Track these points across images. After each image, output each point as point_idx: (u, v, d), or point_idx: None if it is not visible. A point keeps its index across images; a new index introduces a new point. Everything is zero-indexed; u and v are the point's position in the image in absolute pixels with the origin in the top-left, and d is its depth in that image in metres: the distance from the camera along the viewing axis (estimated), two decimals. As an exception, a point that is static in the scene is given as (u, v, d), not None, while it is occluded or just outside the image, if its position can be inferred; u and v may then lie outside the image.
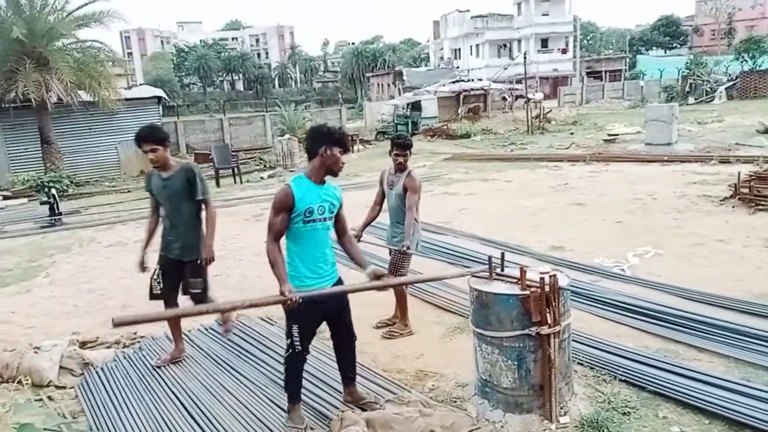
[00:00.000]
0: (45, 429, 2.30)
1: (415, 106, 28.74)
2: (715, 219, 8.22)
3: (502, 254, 3.92)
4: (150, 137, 4.28)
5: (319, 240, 3.42)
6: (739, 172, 9.51)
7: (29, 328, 5.68)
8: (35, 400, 4.04)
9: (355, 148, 22.74)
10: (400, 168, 4.80)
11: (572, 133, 22.65)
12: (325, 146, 3.35)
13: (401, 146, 4.76)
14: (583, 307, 5.12)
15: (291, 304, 3.12)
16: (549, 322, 3.36)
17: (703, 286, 5.41)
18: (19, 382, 4.23)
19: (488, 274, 3.71)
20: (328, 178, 3.45)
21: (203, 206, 4.37)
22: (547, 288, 3.35)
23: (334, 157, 3.37)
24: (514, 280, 3.56)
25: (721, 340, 4.35)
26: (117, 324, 2.74)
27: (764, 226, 7.67)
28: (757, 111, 23.73)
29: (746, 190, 9.00)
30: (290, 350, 3.44)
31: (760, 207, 8.51)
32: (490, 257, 3.79)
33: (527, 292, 3.38)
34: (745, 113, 24.49)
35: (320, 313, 3.50)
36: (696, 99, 33.83)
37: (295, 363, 3.49)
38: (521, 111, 28.64)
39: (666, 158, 14.03)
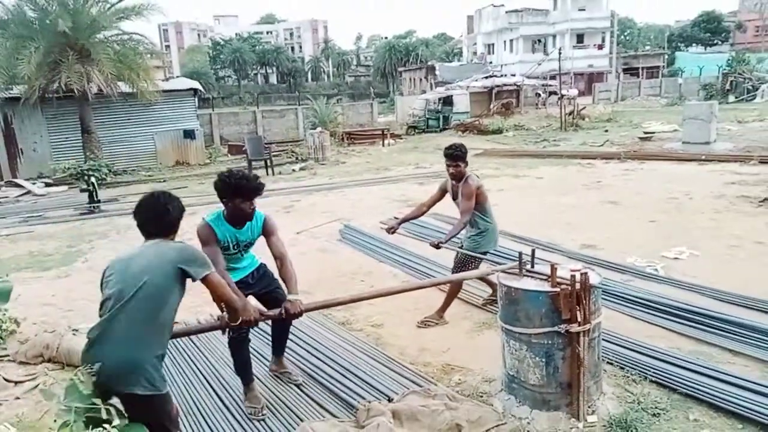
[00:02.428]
0: (87, 410, 2.36)
1: (447, 101, 28.55)
2: (753, 220, 7.99)
3: (533, 251, 3.90)
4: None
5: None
6: None
7: (68, 311, 5.87)
8: (74, 381, 4.17)
9: (386, 142, 22.72)
10: (455, 177, 4.86)
11: (607, 131, 22.20)
12: (226, 200, 3.45)
13: (449, 157, 4.81)
14: (615, 306, 5.05)
15: (251, 323, 3.18)
16: (579, 319, 3.32)
17: (740, 289, 5.27)
18: (68, 364, 4.35)
19: (518, 270, 3.70)
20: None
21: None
22: (577, 285, 3.31)
23: (237, 208, 3.45)
24: (545, 277, 3.54)
25: (758, 344, 4.23)
26: None
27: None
28: None
29: None
30: (230, 334, 3.60)
31: None
32: (520, 254, 3.78)
33: (557, 289, 3.35)
34: None
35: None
36: (737, 97, 32.82)
37: (237, 345, 3.69)
38: (554, 107, 28.19)
39: (704, 157, 13.62)
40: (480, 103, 30.20)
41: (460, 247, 4.98)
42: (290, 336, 4.78)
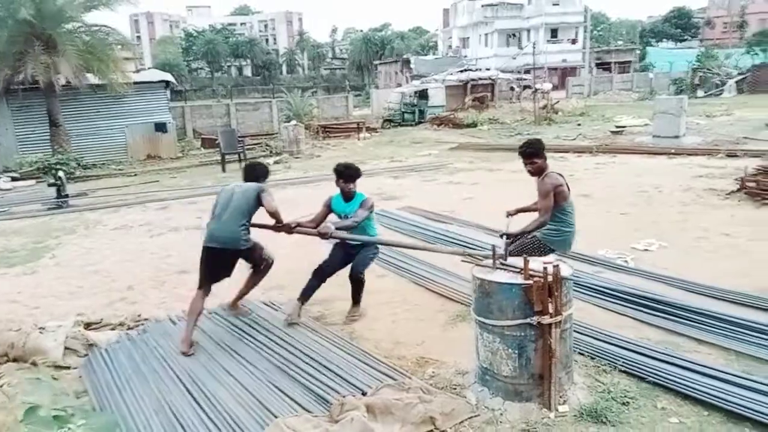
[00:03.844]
0: (54, 409, 2.33)
1: (423, 95, 28.58)
2: (720, 213, 8.18)
3: (506, 245, 3.99)
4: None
5: None
6: (746, 166, 9.48)
7: (35, 308, 5.73)
8: (40, 380, 4.08)
9: (362, 135, 22.66)
10: (533, 174, 4.70)
11: (579, 125, 22.49)
12: (336, 180, 5.08)
13: (522, 155, 4.68)
14: (586, 298, 5.12)
15: (286, 228, 4.78)
16: (551, 311, 3.38)
17: (707, 280, 5.39)
18: (33, 363, 4.27)
19: (491, 261, 3.73)
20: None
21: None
22: (549, 278, 3.36)
23: (340, 187, 5.07)
24: (517, 270, 3.58)
25: (722, 332, 4.34)
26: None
27: (770, 220, 7.58)
28: (766, 105, 23.48)
29: (753, 184, 8.91)
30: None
31: (767, 201, 8.45)
32: (493, 246, 3.79)
33: (530, 282, 3.39)
34: (754, 107, 24.27)
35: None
36: (705, 92, 33.53)
37: (316, 273, 5.02)
38: (528, 101, 28.48)
39: (673, 151, 13.91)
40: (455, 96, 30.39)
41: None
42: (262, 331, 4.77)
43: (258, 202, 4.63)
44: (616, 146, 15.56)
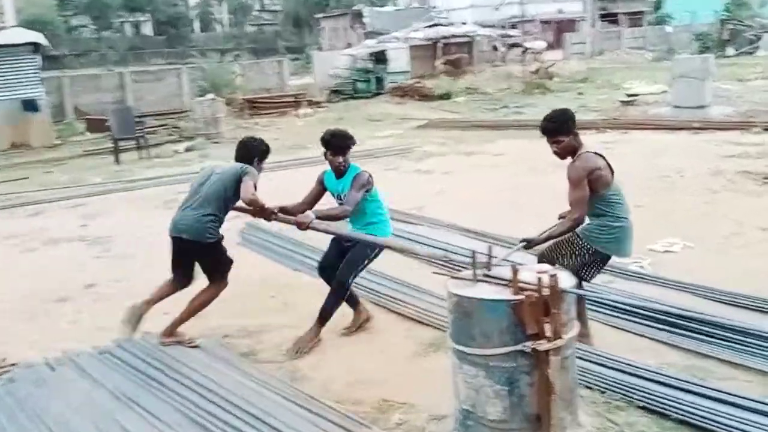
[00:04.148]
0: None
1: (380, 58, 28.69)
2: (758, 202, 8.43)
3: (489, 248, 3.92)
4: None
5: None
6: None
7: None
8: None
9: (302, 112, 22.58)
10: (560, 156, 4.63)
11: (581, 93, 22.98)
12: (323, 152, 5.25)
13: (544, 132, 4.62)
14: (593, 315, 5.14)
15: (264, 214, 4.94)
16: (548, 335, 3.37)
17: (743, 287, 5.49)
18: None
19: (472, 274, 3.72)
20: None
21: None
22: (545, 291, 3.37)
23: (328, 160, 5.25)
24: (504, 282, 3.57)
25: (763, 353, 4.43)
26: None
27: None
28: None
29: None
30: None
31: None
32: (473, 252, 3.78)
33: (520, 297, 3.39)
34: None
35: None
36: (737, 50, 34.64)
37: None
38: (517, 64, 28.91)
39: (698, 125, 14.37)
40: (422, 59, 30.65)
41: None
42: (171, 373, 4.68)
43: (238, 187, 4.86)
44: (627, 120, 16.02)
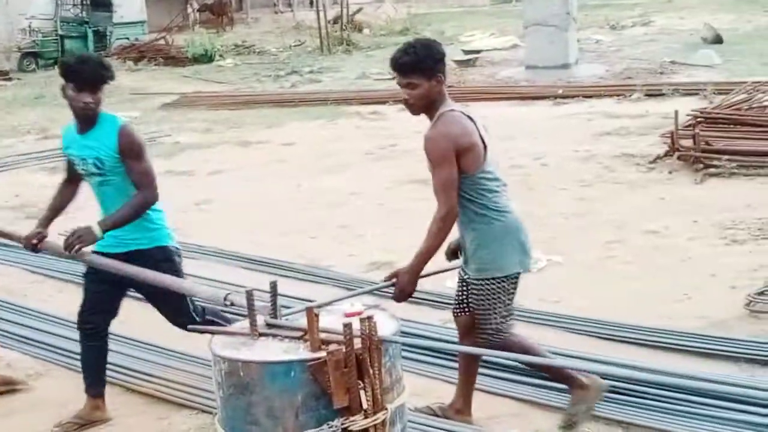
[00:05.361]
0: None
1: (100, 2, 23.71)
2: (643, 194, 7.73)
3: (274, 284, 3.24)
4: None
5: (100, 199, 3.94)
6: (676, 112, 8.75)
7: None
8: None
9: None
10: (413, 110, 3.62)
11: (401, 51, 21.81)
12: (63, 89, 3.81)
13: (396, 67, 3.54)
14: (431, 369, 4.45)
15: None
16: (364, 405, 2.92)
17: (628, 315, 4.92)
18: None
19: (249, 326, 3.12)
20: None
21: None
22: (358, 343, 2.90)
23: (69, 97, 3.71)
24: (298, 334, 3.11)
25: (662, 406, 3.82)
26: None
27: (718, 202, 7.08)
28: (702, 5, 23.40)
29: (689, 143, 8.32)
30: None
31: (711, 170, 7.94)
32: (249, 293, 3.12)
33: (321, 354, 2.92)
34: (684, 9, 23.84)
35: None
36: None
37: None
38: (308, 10, 26.69)
39: (561, 91, 13.16)
40: (166, 4, 27.37)
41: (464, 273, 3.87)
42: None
43: None
44: (465, 87, 14.34)
